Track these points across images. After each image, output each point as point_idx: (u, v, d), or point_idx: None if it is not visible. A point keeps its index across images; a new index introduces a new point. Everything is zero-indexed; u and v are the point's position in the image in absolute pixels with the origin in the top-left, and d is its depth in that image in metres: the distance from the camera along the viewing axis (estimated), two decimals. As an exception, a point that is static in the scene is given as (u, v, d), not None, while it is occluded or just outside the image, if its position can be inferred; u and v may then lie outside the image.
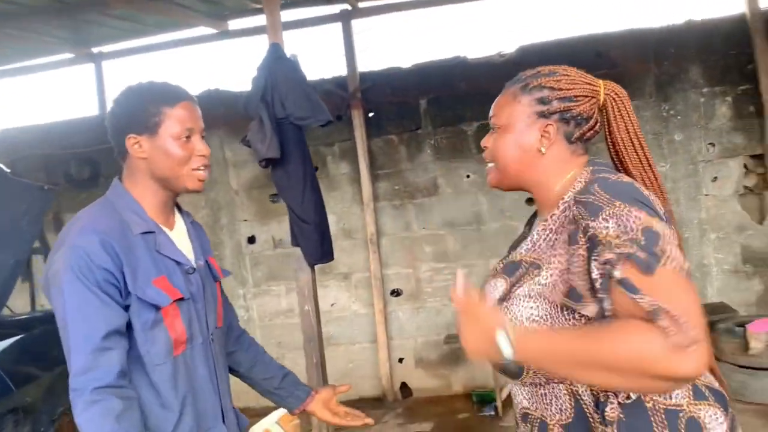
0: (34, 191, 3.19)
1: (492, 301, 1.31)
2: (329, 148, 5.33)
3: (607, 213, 1.14)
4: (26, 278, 3.96)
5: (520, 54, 5.09)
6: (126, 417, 1.37)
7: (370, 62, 5.38)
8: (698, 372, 1.07)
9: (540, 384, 1.28)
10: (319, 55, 5.68)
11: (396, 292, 5.34)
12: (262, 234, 5.53)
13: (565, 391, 1.25)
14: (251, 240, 5.54)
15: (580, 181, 1.29)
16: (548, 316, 1.22)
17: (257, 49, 7.00)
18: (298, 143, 3.00)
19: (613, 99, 1.34)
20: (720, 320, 4.55)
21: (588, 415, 1.23)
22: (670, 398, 1.21)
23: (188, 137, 1.55)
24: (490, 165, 1.42)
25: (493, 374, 4.65)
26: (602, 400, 1.21)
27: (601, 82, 1.35)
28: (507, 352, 1.12)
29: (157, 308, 1.48)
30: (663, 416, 1.20)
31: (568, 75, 1.33)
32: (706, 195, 4.97)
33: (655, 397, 1.21)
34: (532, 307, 1.24)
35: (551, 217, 1.29)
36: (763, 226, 4.91)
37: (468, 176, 5.19)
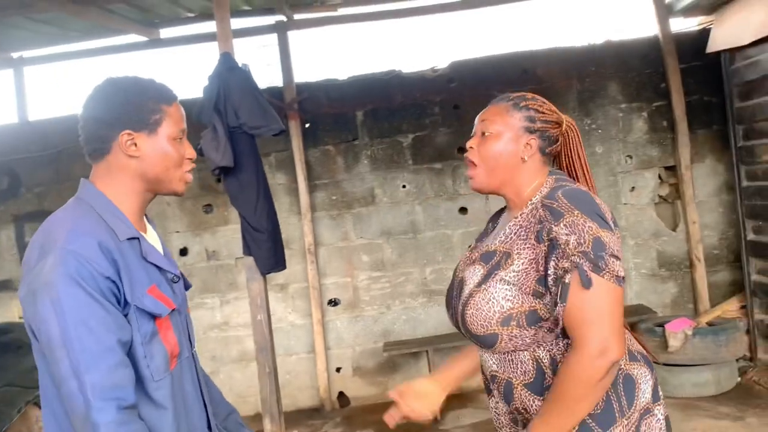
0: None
1: (471, 284, 1.56)
2: (266, 158, 5.28)
3: (567, 221, 1.44)
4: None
5: (452, 69, 5.28)
6: None
7: (307, 73, 5.42)
8: (618, 358, 1.39)
9: (508, 352, 1.54)
10: (255, 65, 5.63)
11: (334, 302, 5.37)
12: (195, 246, 5.42)
13: (530, 357, 1.53)
14: (183, 252, 5.42)
15: (545, 187, 1.59)
16: (519, 297, 1.49)
17: (190, 57, 6.90)
18: (251, 152, 3.00)
19: (571, 130, 1.67)
20: (640, 321, 4.86)
21: (547, 375, 1.51)
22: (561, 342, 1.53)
23: (181, 139, 1.50)
24: (473, 169, 1.63)
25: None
26: (559, 361, 1.50)
27: (563, 116, 1.67)
28: None
29: (154, 319, 1.39)
30: (549, 355, 1.53)
31: (545, 104, 1.64)
32: (625, 204, 5.30)
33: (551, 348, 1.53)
34: (506, 289, 1.50)
35: (521, 215, 1.58)
36: (676, 232, 5.29)
37: (404, 186, 5.31)
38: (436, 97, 5.31)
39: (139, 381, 1.36)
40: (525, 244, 1.51)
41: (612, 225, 1.48)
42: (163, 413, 1.40)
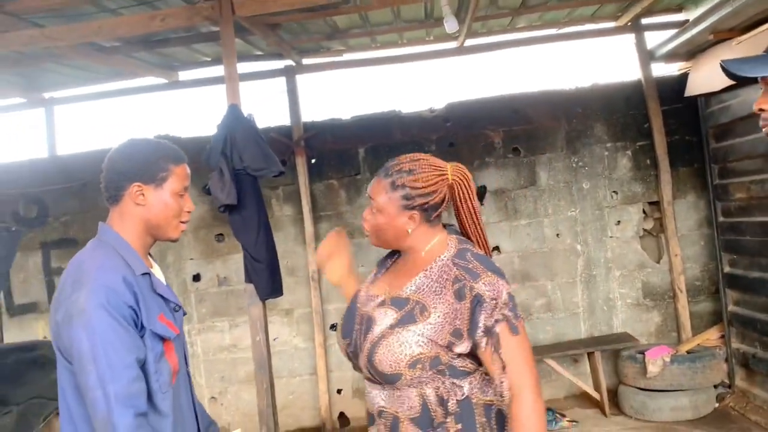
0: (2, 232, 3.44)
1: (382, 326, 1.72)
2: (274, 191, 5.71)
3: (485, 280, 1.65)
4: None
5: (448, 110, 5.66)
6: None
7: (313, 113, 5.83)
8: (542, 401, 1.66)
9: (397, 388, 1.71)
10: (266, 105, 6.08)
11: (335, 327, 5.69)
12: (207, 272, 5.79)
13: (417, 394, 1.69)
14: (196, 278, 5.79)
15: (450, 246, 1.77)
16: (429, 345, 1.66)
17: (205, 97, 7.38)
18: (253, 191, 3.38)
19: (459, 181, 1.79)
20: (624, 348, 5.14)
21: (431, 410, 1.68)
22: (487, 395, 1.72)
23: (183, 194, 1.82)
24: (368, 234, 1.85)
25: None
26: (445, 398, 1.68)
27: (449, 166, 1.79)
28: None
29: (163, 341, 1.69)
30: (482, 409, 1.71)
31: (424, 171, 1.75)
32: (611, 237, 5.61)
33: (478, 395, 1.71)
34: (420, 337, 1.66)
35: (429, 269, 1.74)
36: (660, 264, 5.58)
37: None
38: (433, 136, 5.69)
39: (149, 393, 1.64)
40: (440, 299, 1.68)
41: (509, 282, 1.73)
42: (166, 420, 1.70)
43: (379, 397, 1.76)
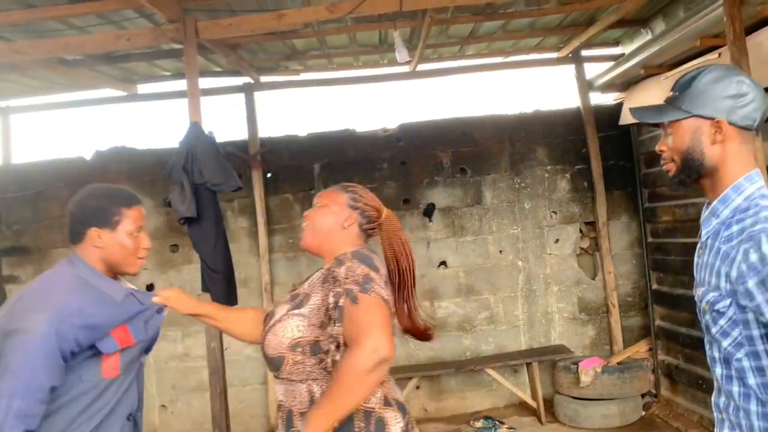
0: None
1: (277, 316, 1.94)
2: (229, 203, 5.86)
3: (346, 265, 1.86)
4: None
5: (400, 130, 5.93)
6: None
7: (270, 129, 6.03)
8: (388, 356, 1.71)
9: (291, 382, 1.89)
10: (224, 119, 6.24)
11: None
12: (161, 282, 5.88)
13: (306, 389, 1.88)
14: (149, 287, 5.87)
15: (348, 252, 1.95)
16: (308, 329, 1.86)
17: (164, 110, 7.48)
18: (212, 205, 3.55)
19: (389, 223, 2.06)
20: (560, 359, 5.46)
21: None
22: (368, 403, 1.84)
23: (138, 232, 2.00)
24: (305, 231, 2.06)
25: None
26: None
27: (384, 209, 2.08)
28: None
29: (99, 351, 1.88)
30: (362, 415, 1.84)
31: (368, 194, 2.08)
32: (550, 254, 5.95)
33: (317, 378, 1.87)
34: (299, 321, 1.87)
35: (324, 268, 1.98)
36: (595, 281, 5.94)
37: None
38: (386, 154, 5.94)
39: (75, 385, 1.87)
40: (320, 288, 1.91)
41: (384, 277, 1.90)
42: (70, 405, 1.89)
43: (279, 391, 1.95)
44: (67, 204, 2.02)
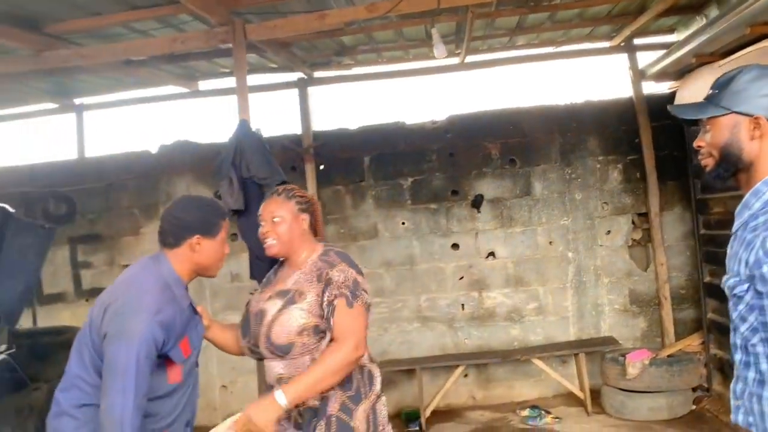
0: (38, 229, 3.86)
1: (273, 311, 2.23)
2: (284, 195, 6.10)
3: (338, 268, 2.24)
4: (30, 303, 4.49)
5: (449, 122, 6.01)
6: None
7: (322, 123, 6.23)
8: (359, 356, 2.18)
9: (293, 358, 2.21)
10: (278, 114, 6.49)
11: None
12: (221, 269, 6.19)
13: (308, 359, 2.21)
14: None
15: (318, 250, 2.35)
16: (308, 317, 2.19)
17: (223, 105, 7.81)
18: (259, 198, 3.75)
19: (316, 204, 2.45)
20: (608, 351, 5.45)
21: None
22: (363, 360, 2.26)
23: (226, 242, 2.29)
24: (272, 242, 2.33)
25: (419, 396, 5.42)
26: None
27: (311, 195, 2.46)
28: (283, 404, 2.08)
29: (169, 360, 2.15)
30: (358, 369, 2.26)
31: (302, 192, 2.42)
32: (601, 245, 5.92)
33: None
34: (301, 312, 2.20)
35: (303, 269, 2.30)
36: (646, 272, 5.88)
37: (403, 223, 6.03)
38: (434, 146, 6.04)
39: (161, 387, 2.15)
40: (311, 286, 2.24)
41: (362, 273, 2.29)
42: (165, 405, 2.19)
43: (278, 367, 2.24)
44: (164, 212, 2.27)
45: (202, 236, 2.20)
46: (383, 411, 2.34)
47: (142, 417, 2.05)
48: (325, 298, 2.20)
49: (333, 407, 2.20)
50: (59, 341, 3.82)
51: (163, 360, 2.13)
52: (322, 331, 2.21)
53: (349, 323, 2.17)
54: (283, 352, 2.21)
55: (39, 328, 4.30)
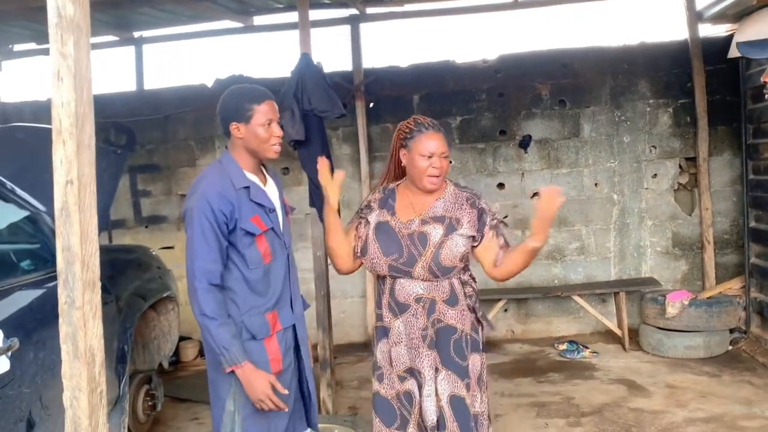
0: (110, 154, 4.10)
1: (437, 236, 2.47)
2: (334, 131, 6.26)
3: (483, 200, 2.59)
4: (107, 224, 4.76)
5: (500, 61, 6.04)
6: (222, 303, 2.30)
7: (373, 60, 6.30)
8: None
9: (436, 279, 2.49)
10: (329, 51, 6.57)
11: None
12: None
13: (447, 282, 2.52)
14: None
15: (449, 184, 2.61)
16: (465, 243, 2.51)
17: (277, 41, 7.90)
18: (319, 129, 3.93)
19: None
20: (648, 291, 5.58)
21: (457, 293, 2.54)
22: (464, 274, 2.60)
23: (269, 124, 2.38)
24: (439, 179, 2.52)
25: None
26: (465, 284, 2.57)
27: None
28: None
29: (252, 235, 2.33)
30: (477, 293, 2.64)
31: None
32: (647, 188, 5.97)
33: (473, 283, 2.62)
34: (461, 239, 2.49)
35: (443, 197, 2.56)
36: (691, 217, 5.93)
37: (451, 162, 6.14)
38: (484, 86, 6.09)
39: (242, 265, 2.35)
40: (464, 212, 2.52)
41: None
42: (254, 286, 2.38)
43: (418, 287, 2.50)
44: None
45: (238, 123, 2.35)
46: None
47: (249, 293, 2.34)
48: (487, 226, 2.53)
49: (467, 327, 2.54)
50: (128, 259, 4.10)
51: (252, 236, 2.32)
52: (466, 257, 2.53)
53: (494, 246, 2.54)
54: (444, 273, 2.49)
55: (113, 246, 4.59)
